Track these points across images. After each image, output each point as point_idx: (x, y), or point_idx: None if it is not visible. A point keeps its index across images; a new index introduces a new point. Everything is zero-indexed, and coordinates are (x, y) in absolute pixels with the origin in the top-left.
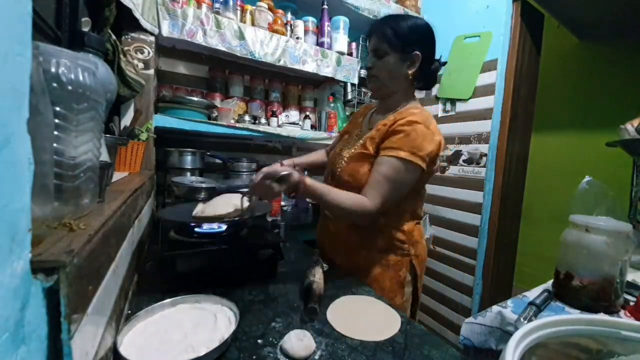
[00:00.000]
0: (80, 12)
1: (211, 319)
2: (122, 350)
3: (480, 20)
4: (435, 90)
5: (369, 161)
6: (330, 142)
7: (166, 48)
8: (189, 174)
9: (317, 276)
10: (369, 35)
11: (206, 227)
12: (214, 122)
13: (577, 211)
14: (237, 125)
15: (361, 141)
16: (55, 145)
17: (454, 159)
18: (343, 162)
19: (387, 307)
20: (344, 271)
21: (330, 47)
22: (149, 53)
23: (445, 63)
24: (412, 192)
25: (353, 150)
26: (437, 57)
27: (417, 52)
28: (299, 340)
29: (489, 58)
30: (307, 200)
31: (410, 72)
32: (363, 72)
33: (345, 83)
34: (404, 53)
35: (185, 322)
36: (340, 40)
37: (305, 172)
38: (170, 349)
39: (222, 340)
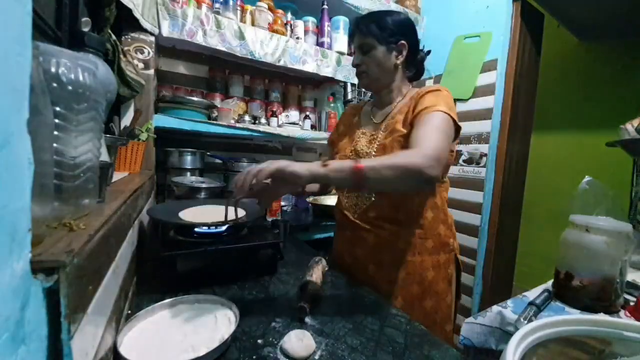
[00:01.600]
0: (80, 12)
1: (211, 319)
2: (122, 350)
3: (480, 20)
4: None
5: (406, 144)
6: None
7: (166, 48)
8: (189, 174)
9: (315, 276)
10: (352, 35)
11: (207, 227)
12: (214, 122)
13: (577, 211)
14: (237, 125)
15: (381, 133)
16: (55, 145)
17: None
18: (372, 155)
19: None
20: (385, 283)
21: (330, 47)
22: (149, 53)
23: (429, 52)
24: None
25: (378, 144)
26: (421, 48)
27: (403, 41)
28: (298, 340)
29: (489, 58)
30: (307, 200)
31: (399, 61)
32: None
33: (345, 83)
34: (390, 44)
35: (185, 322)
36: (340, 40)
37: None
38: (171, 349)
39: (222, 340)
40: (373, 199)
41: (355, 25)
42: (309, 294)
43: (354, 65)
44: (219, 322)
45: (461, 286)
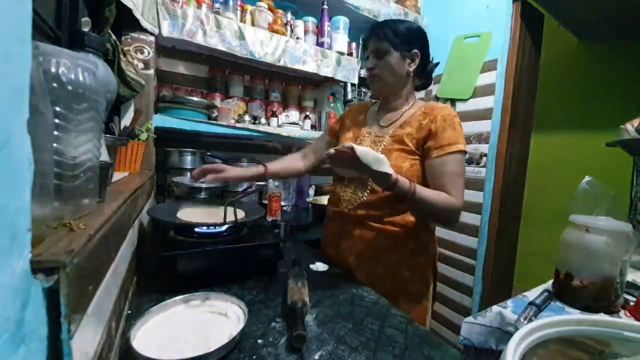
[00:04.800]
0: (80, 12)
1: (222, 316)
2: (135, 344)
3: (480, 20)
4: (435, 90)
5: (409, 157)
6: None
7: (166, 48)
8: (189, 174)
9: (304, 296)
10: (368, 38)
11: (206, 227)
12: (214, 122)
13: (577, 211)
14: (237, 125)
15: (388, 138)
16: (55, 145)
17: None
18: None
19: None
20: (363, 276)
21: (330, 47)
22: (149, 53)
23: (437, 64)
24: None
25: (383, 148)
26: (431, 59)
27: (417, 50)
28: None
29: (489, 58)
30: (307, 200)
31: (411, 69)
32: (363, 72)
33: (345, 83)
34: (404, 51)
35: (196, 318)
36: (340, 40)
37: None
38: (182, 344)
39: (232, 337)
40: (365, 198)
41: (372, 30)
42: (301, 318)
43: (368, 68)
44: (229, 319)
45: (437, 293)
